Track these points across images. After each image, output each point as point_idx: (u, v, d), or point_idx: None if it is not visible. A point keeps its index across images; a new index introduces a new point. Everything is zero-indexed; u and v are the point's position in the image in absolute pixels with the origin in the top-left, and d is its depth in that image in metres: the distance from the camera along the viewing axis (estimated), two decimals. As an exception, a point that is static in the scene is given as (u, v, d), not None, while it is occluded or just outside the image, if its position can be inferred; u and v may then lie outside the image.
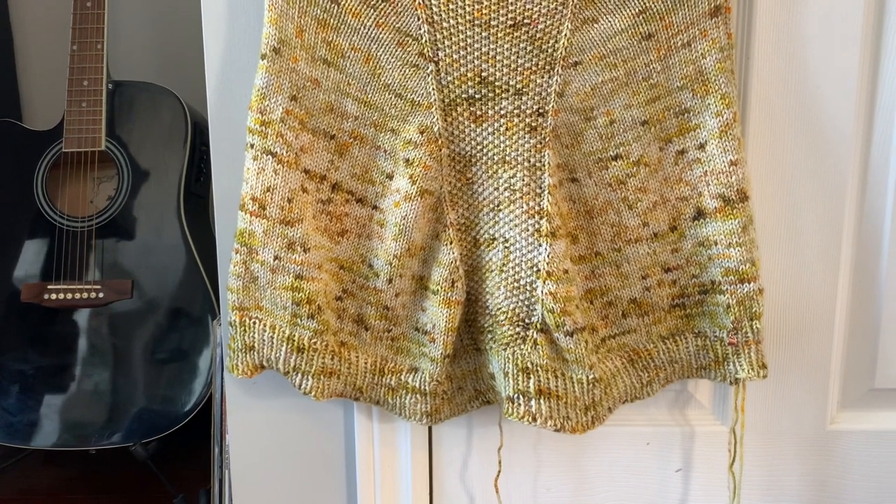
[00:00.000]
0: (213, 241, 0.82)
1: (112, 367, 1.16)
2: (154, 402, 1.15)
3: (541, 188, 0.74)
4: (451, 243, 0.76)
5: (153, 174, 1.20)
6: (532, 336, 0.74)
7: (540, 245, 0.74)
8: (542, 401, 0.73)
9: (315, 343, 0.75)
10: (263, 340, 0.75)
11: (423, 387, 0.78)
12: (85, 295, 1.15)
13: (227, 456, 0.90)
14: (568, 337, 0.73)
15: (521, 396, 0.73)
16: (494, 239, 0.76)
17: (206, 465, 1.04)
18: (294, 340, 0.75)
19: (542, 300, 0.74)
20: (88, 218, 1.19)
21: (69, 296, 1.16)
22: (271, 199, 0.73)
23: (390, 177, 0.76)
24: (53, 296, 1.16)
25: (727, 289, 0.76)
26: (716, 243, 0.75)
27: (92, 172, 1.20)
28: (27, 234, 1.19)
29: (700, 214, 0.76)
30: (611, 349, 0.79)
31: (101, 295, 1.16)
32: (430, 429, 0.86)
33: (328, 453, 0.86)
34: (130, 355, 1.16)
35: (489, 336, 0.77)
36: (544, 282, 0.73)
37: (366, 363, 0.78)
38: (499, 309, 0.76)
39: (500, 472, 0.84)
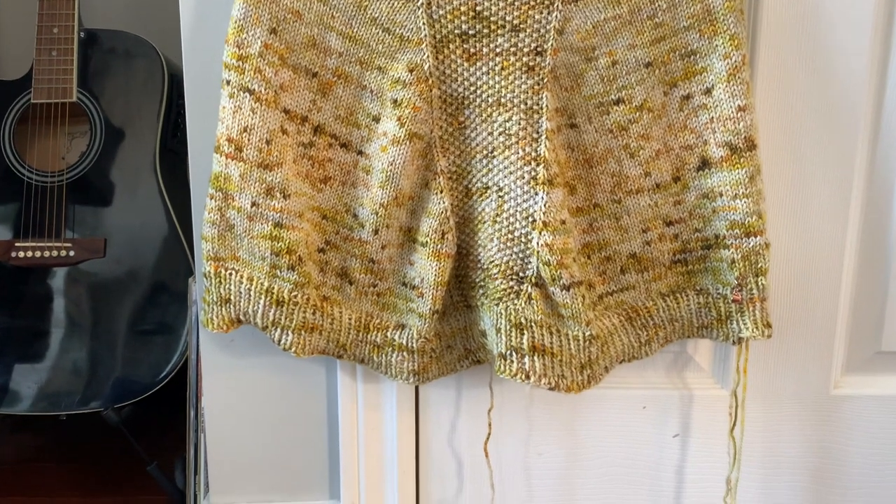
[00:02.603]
0: (190, 197, 0.77)
1: (84, 329, 1.11)
2: (128, 367, 1.10)
3: (538, 133, 0.70)
4: (441, 192, 0.72)
5: (128, 128, 1.14)
6: (526, 290, 0.70)
7: (536, 194, 0.70)
8: (535, 358, 0.69)
9: (295, 296, 0.71)
10: (240, 293, 0.71)
11: (410, 344, 0.74)
12: (55, 253, 1.10)
13: (203, 419, 0.86)
14: (564, 291, 0.69)
15: (514, 353, 0.69)
16: (487, 188, 0.72)
17: (183, 431, 1.00)
18: (273, 293, 0.70)
19: (538, 252, 0.69)
20: (59, 173, 1.13)
21: (38, 254, 1.10)
22: (248, 140, 0.69)
23: (377, 119, 0.71)
24: (21, 254, 1.10)
25: (732, 243, 0.72)
26: (721, 195, 0.72)
27: (63, 126, 1.14)
28: (-7, 189, 1.14)
29: (705, 164, 0.72)
30: (608, 306, 0.75)
31: (71, 253, 1.10)
32: (416, 390, 0.82)
33: (309, 416, 0.83)
34: (103, 318, 1.11)
35: (480, 291, 0.73)
36: (540, 233, 0.69)
37: (350, 319, 0.74)
38: (491, 262, 0.71)
39: (489, 435, 0.80)
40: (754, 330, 0.72)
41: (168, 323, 1.11)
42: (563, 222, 0.70)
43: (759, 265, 0.72)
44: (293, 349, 0.72)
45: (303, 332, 0.72)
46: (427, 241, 0.72)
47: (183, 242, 1.12)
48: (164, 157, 1.15)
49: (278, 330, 0.71)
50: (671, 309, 0.75)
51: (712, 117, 0.71)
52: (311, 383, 0.82)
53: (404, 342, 0.74)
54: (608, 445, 0.84)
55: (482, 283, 0.73)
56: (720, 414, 0.82)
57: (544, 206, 0.69)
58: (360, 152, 0.73)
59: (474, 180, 0.72)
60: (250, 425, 0.83)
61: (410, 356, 0.74)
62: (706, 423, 0.83)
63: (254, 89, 0.68)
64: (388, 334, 0.75)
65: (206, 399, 0.83)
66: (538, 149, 0.70)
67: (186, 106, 0.76)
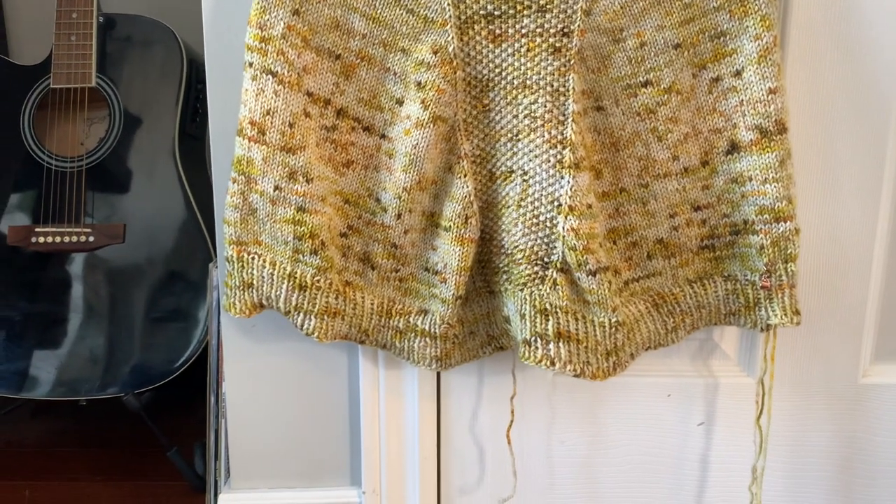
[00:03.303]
0: (210, 184, 0.76)
1: (103, 315, 1.11)
2: (147, 352, 1.10)
3: (564, 115, 0.68)
4: (464, 176, 0.71)
5: (146, 113, 1.14)
6: (551, 276, 0.69)
7: (562, 177, 0.68)
8: (561, 344, 0.68)
9: (318, 281, 0.70)
10: (263, 277, 0.70)
11: (432, 329, 0.73)
12: (74, 238, 1.10)
13: (224, 405, 0.86)
14: (590, 277, 0.68)
15: (538, 339, 0.68)
16: (512, 171, 0.70)
17: (203, 417, 1.00)
18: (296, 277, 0.70)
19: (563, 237, 0.68)
20: (78, 158, 1.13)
21: (58, 239, 1.10)
22: (271, 123, 0.68)
23: (400, 102, 0.70)
24: (41, 239, 1.10)
25: (761, 228, 0.70)
26: (750, 179, 0.70)
27: (82, 111, 1.13)
28: (13, 174, 1.13)
29: (734, 148, 0.71)
30: (634, 293, 0.74)
31: (91, 239, 1.10)
32: (438, 377, 0.81)
33: (330, 402, 0.82)
34: (122, 303, 1.11)
35: (504, 277, 0.72)
36: (566, 217, 0.68)
37: (372, 304, 0.73)
38: (516, 247, 0.70)
39: (512, 422, 0.79)
40: (783, 317, 0.71)
41: (187, 308, 1.11)
42: (590, 206, 0.69)
43: (789, 251, 0.70)
44: (315, 334, 0.71)
45: (325, 317, 0.71)
46: (450, 226, 0.71)
47: (202, 227, 1.12)
48: (182, 141, 1.15)
49: (301, 314, 0.71)
50: (698, 295, 0.74)
51: (742, 100, 0.69)
52: (332, 369, 0.81)
53: (427, 328, 0.73)
54: (632, 434, 0.83)
55: (506, 269, 0.72)
56: (746, 402, 0.81)
57: (570, 189, 0.68)
58: (384, 136, 0.72)
59: (498, 164, 0.71)
60: (271, 411, 0.82)
61: (433, 342, 0.73)
62: (731, 411, 0.82)
63: (276, 71, 0.67)
64: (411, 320, 0.74)
65: (227, 385, 0.83)
66: (564, 131, 0.69)
67: (208, 89, 0.75)
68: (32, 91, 1.13)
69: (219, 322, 0.86)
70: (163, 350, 1.10)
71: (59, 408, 1.24)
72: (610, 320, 0.69)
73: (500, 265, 0.72)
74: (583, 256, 0.68)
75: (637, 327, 0.73)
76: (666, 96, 0.70)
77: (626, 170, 0.72)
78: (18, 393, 1.09)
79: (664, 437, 0.83)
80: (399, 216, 0.72)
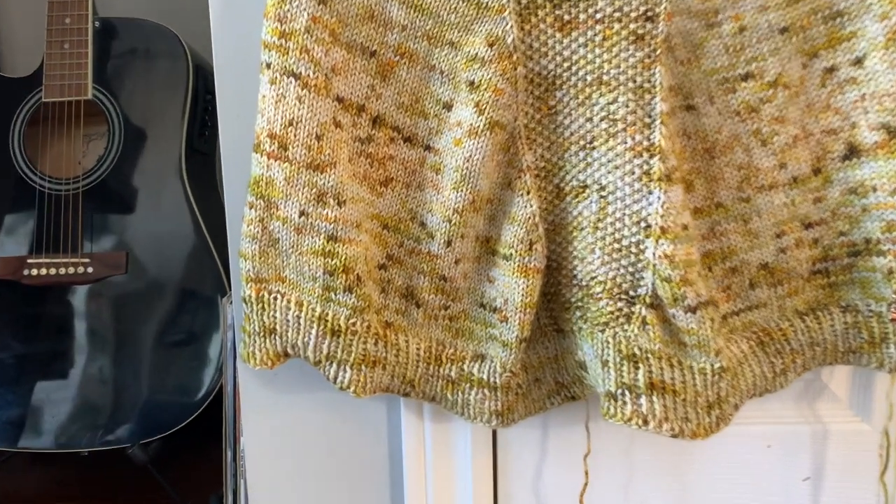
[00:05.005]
0: (222, 205, 0.66)
1: (106, 356, 1.00)
2: (156, 397, 0.99)
3: (650, 117, 0.56)
4: (527, 193, 0.59)
5: (150, 128, 1.03)
6: (639, 313, 0.57)
7: (650, 192, 0.56)
8: (654, 397, 0.56)
9: (354, 324, 0.58)
10: (288, 321, 0.59)
11: (492, 379, 0.61)
12: (71, 270, 0.98)
13: (243, 463, 0.74)
14: (689, 314, 0.56)
15: (626, 392, 0.56)
16: (586, 186, 0.58)
17: (217, 465, 0.89)
18: (327, 320, 0.58)
19: (654, 265, 0.56)
20: (74, 179, 1.01)
21: (53, 271, 0.99)
22: (295, 135, 0.56)
23: (448, 107, 0.59)
24: (35, 271, 0.99)
25: (889, 248, 0.58)
26: (874, 189, 0.58)
27: (78, 127, 1.02)
28: (2, 199, 1.02)
29: (853, 152, 0.59)
30: (734, 329, 0.61)
31: (90, 270, 0.99)
32: (494, 431, 0.69)
33: (368, 460, 0.71)
34: (127, 342, 1.00)
35: (578, 314, 0.60)
36: (657, 241, 0.56)
37: (418, 349, 0.61)
38: (592, 278, 0.58)
39: (586, 484, 0.67)
40: (918, 355, 0.59)
41: (198, 347, 1.00)
42: (685, 227, 0.57)
43: (924, 275, 0.58)
44: (352, 388, 0.59)
45: (363, 367, 0.59)
46: (511, 254, 0.59)
47: (214, 255, 1.00)
48: (190, 159, 1.04)
49: (334, 365, 0.59)
50: (811, 331, 0.62)
51: (863, 94, 0.58)
52: (369, 423, 0.69)
53: (485, 377, 0.61)
54: (724, 492, 0.70)
55: (580, 304, 0.60)
56: (861, 453, 0.68)
57: (661, 207, 0.56)
58: (428, 147, 0.60)
59: (568, 177, 0.59)
60: (298, 471, 0.71)
61: (493, 394, 0.61)
62: (844, 464, 0.69)
63: (300, 73, 0.56)
64: (465, 367, 0.62)
65: (245, 440, 0.71)
66: (651, 136, 0.56)
67: (217, 98, 0.64)
68: (22, 106, 1.03)
69: (235, 367, 0.74)
70: (172, 394, 0.98)
71: (60, 456, 1.13)
72: (712, 366, 0.57)
73: (573, 299, 0.60)
74: (679, 289, 0.56)
75: (741, 372, 0.60)
76: (771, 91, 0.58)
77: (722, 181, 0.60)
78: (14, 445, 0.98)
79: (764, 496, 0.70)
80: (449, 243, 0.60)
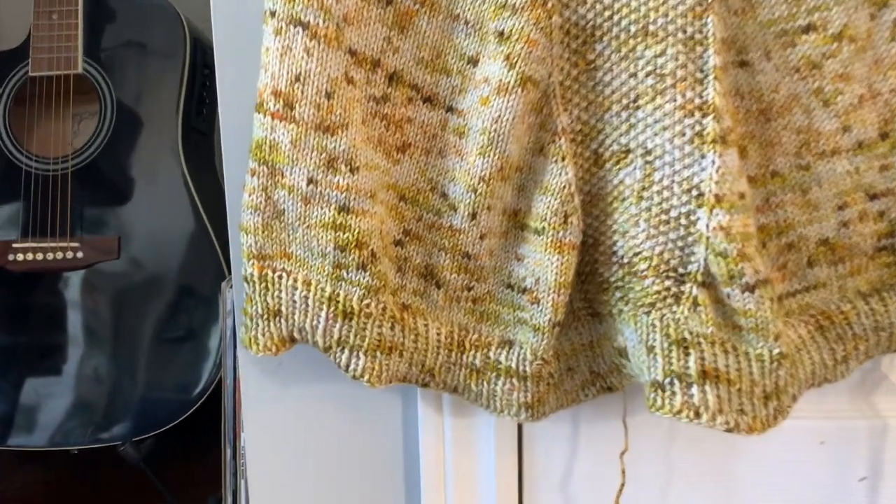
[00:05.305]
0: (222, 188, 0.61)
1: (97, 348, 0.95)
2: (150, 392, 0.94)
3: (702, 72, 0.50)
4: (562, 160, 0.53)
5: (144, 104, 0.98)
6: (690, 293, 0.51)
7: (703, 156, 0.50)
8: (707, 387, 0.50)
9: (368, 305, 0.52)
10: (294, 302, 0.53)
11: (521, 367, 0.55)
12: (60, 255, 0.93)
13: (243, 461, 0.69)
14: (746, 293, 0.50)
15: (676, 381, 0.50)
16: (629, 151, 0.52)
17: (216, 464, 0.84)
18: (338, 301, 0.52)
19: (708, 238, 0.50)
20: (63, 159, 0.96)
21: (41, 256, 0.93)
22: (302, 93, 0.51)
23: (474, 62, 0.53)
24: (20, 256, 0.94)
25: (965, 222, 0.52)
26: (949, 156, 0.52)
27: (67, 103, 0.97)
28: (-14, 179, 0.97)
29: (926, 114, 0.53)
30: (791, 311, 0.56)
31: (79, 255, 0.94)
32: (520, 425, 0.64)
33: (381, 460, 0.65)
34: (120, 332, 0.95)
35: (617, 295, 0.54)
36: (711, 211, 0.50)
37: (438, 334, 0.56)
38: (636, 254, 0.52)
39: (623, 484, 0.61)
40: None
41: (196, 337, 0.95)
42: (742, 195, 0.51)
43: None
44: (366, 377, 0.53)
45: (378, 354, 0.53)
46: (544, 227, 0.53)
47: (212, 238, 0.95)
48: (187, 137, 0.99)
49: (346, 351, 0.53)
50: (876, 314, 0.56)
51: (939, 47, 0.52)
52: (383, 417, 0.64)
53: (513, 365, 0.55)
54: (773, 492, 0.65)
55: (620, 284, 0.54)
56: (924, 450, 0.63)
57: (716, 172, 0.50)
58: (451, 108, 0.54)
59: (609, 141, 0.53)
60: (304, 470, 0.66)
61: (522, 383, 0.55)
62: (905, 462, 0.64)
63: (308, 22, 0.50)
64: (491, 354, 0.56)
65: (246, 437, 0.66)
66: (704, 93, 0.50)
67: (217, 72, 0.58)
68: (7, 81, 0.98)
69: (234, 356, 0.69)
70: (168, 388, 0.94)
71: (49, 455, 1.08)
72: (771, 352, 0.51)
73: (612, 279, 0.54)
74: (736, 265, 0.50)
75: (800, 359, 0.54)
76: (834, 45, 0.52)
77: (779, 146, 0.54)
78: (2, 444, 0.92)
79: (815, 497, 0.65)
80: (473, 216, 0.54)
